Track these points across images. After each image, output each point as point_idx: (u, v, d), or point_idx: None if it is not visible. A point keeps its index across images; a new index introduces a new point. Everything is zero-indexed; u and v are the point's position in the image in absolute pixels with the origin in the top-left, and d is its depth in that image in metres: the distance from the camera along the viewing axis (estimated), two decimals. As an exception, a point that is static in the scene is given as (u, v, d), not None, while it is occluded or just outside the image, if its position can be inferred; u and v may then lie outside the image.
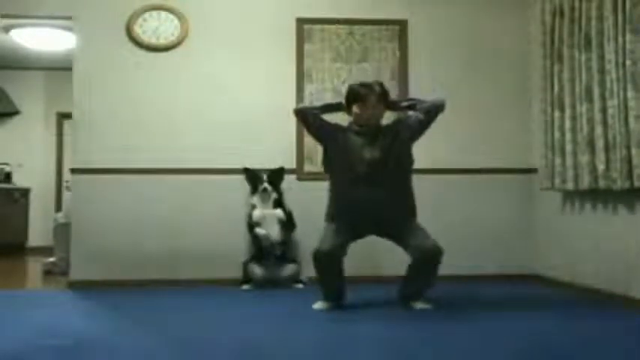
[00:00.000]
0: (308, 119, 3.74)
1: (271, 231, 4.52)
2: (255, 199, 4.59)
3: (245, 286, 4.51)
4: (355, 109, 3.62)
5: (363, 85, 3.66)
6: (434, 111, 3.65)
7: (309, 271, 4.49)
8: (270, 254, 4.53)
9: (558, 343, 2.83)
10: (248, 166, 4.63)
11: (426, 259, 3.48)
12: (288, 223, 4.60)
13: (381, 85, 3.67)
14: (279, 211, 4.58)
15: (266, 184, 4.55)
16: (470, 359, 2.59)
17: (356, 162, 3.56)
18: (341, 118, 3.80)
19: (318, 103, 3.89)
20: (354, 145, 3.60)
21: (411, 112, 3.73)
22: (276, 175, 4.61)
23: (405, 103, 3.82)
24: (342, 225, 3.60)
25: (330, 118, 3.80)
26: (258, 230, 4.52)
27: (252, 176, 4.60)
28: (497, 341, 2.86)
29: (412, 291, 3.65)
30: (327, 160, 3.74)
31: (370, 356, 2.63)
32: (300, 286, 4.54)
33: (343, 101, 3.72)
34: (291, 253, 4.65)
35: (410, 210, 3.65)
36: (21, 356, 2.59)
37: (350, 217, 3.60)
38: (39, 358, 2.58)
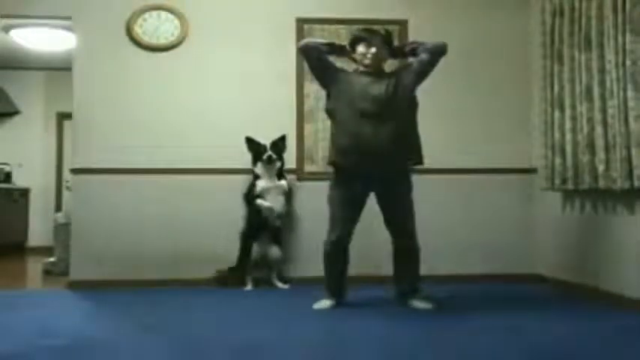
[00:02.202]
0: (312, 54, 3.68)
1: (275, 203, 4.51)
2: (259, 169, 4.56)
3: (247, 288, 4.49)
4: (360, 48, 3.63)
5: (367, 29, 3.73)
6: (436, 52, 3.63)
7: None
8: (267, 228, 4.50)
9: (558, 342, 2.83)
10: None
11: (402, 244, 3.66)
12: (289, 195, 4.60)
13: (386, 29, 3.72)
14: (283, 182, 4.57)
15: (270, 152, 4.52)
16: (470, 359, 2.59)
17: (361, 98, 3.54)
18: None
19: (323, 40, 3.83)
20: (358, 83, 3.60)
21: (413, 59, 3.73)
22: (278, 144, 4.60)
23: (408, 48, 3.79)
24: (344, 184, 3.61)
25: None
26: (262, 202, 4.49)
27: (255, 145, 4.57)
28: (497, 341, 2.86)
29: (406, 286, 3.71)
30: (330, 102, 3.70)
31: (370, 356, 2.63)
32: (286, 286, 4.53)
33: (348, 46, 3.71)
34: (280, 232, 4.61)
35: (414, 151, 3.64)
36: (21, 356, 2.59)
37: (353, 160, 3.55)
38: (39, 358, 2.58)
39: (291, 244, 4.74)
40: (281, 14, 4.87)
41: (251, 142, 4.59)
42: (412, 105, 3.65)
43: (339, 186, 3.65)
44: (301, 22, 4.86)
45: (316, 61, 3.68)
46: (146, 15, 4.78)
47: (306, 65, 4.81)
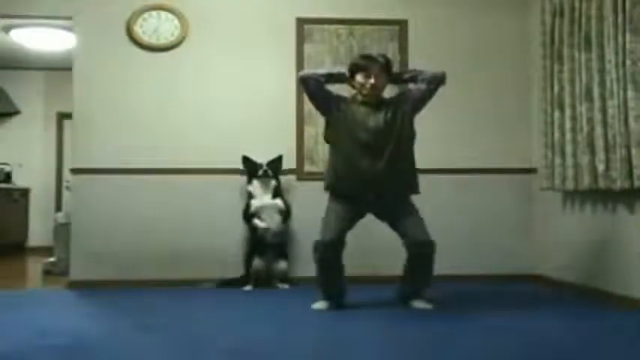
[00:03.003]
0: (311, 86, 3.68)
1: (271, 221, 4.52)
2: (253, 187, 4.56)
3: (247, 288, 4.50)
4: (359, 77, 3.60)
5: (366, 56, 3.69)
6: (435, 82, 3.64)
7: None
8: (267, 246, 4.51)
9: (558, 342, 2.83)
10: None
11: (421, 253, 3.52)
12: (287, 213, 4.60)
13: (384, 56, 3.68)
14: (279, 201, 4.58)
15: (266, 167, 4.53)
16: (470, 359, 2.59)
17: (360, 130, 3.54)
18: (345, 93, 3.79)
19: (321, 71, 3.83)
20: (357, 113, 3.59)
21: (412, 85, 3.72)
22: (274, 164, 4.61)
23: (407, 75, 3.78)
24: (342, 200, 3.60)
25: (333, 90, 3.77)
26: (257, 222, 4.50)
27: (251, 164, 4.59)
28: (497, 341, 2.86)
29: (411, 290, 3.68)
30: (329, 131, 3.71)
31: (370, 356, 2.63)
32: (286, 286, 4.53)
33: (347, 72, 3.69)
34: (285, 247, 4.64)
35: (411, 183, 3.64)
36: (21, 356, 2.59)
37: (351, 187, 3.57)
38: (39, 358, 2.58)
39: (290, 244, 4.74)
40: (281, 14, 4.87)
41: (247, 161, 4.60)
42: (410, 135, 3.65)
43: (338, 202, 3.63)
44: (301, 22, 4.87)
45: (315, 92, 3.69)
46: (146, 15, 4.79)
47: (306, 65, 4.85)
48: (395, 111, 3.60)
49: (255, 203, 4.54)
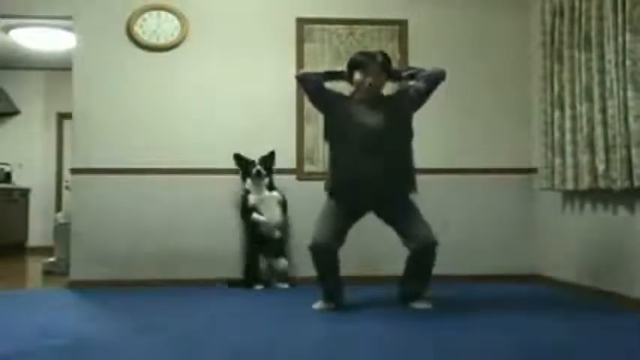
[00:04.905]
0: (309, 85, 3.67)
1: (271, 214, 4.52)
2: (248, 185, 4.57)
3: (258, 287, 4.48)
4: (357, 75, 3.58)
5: (364, 53, 3.67)
6: (434, 80, 3.60)
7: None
8: (269, 242, 4.51)
9: (558, 342, 2.83)
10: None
11: (425, 251, 3.51)
12: (285, 205, 4.61)
13: (383, 54, 3.64)
14: (277, 194, 4.58)
15: (258, 167, 4.53)
16: (470, 359, 2.59)
17: (358, 129, 3.53)
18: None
19: (320, 70, 3.83)
20: (356, 112, 3.58)
21: (411, 82, 3.70)
22: (267, 160, 4.60)
23: (405, 73, 3.77)
24: (341, 200, 3.60)
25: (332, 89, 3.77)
26: (257, 217, 4.50)
27: (244, 162, 4.59)
28: (497, 341, 2.86)
29: (412, 290, 3.67)
30: (327, 129, 3.71)
31: (370, 356, 2.63)
32: (286, 286, 4.53)
33: (345, 70, 3.68)
34: (284, 244, 4.64)
35: (410, 181, 3.64)
36: (21, 356, 2.59)
37: (350, 187, 3.57)
38: (39, 358, 2.58)
39: (290, 244, 4.74)
40: (281, 14, 4.87)
41: (239, 159, 4.60)
42: (408, 134, 3.65)
43: (335, 203, 3.63)
44: (301, 22, 4.87)
45: (314, 91, 3.68)
46: (146, 15, 4.79)
47: (306, 65, 4.84)
48: (394, 108, 3.59)
49: (253, 197, 4.53)
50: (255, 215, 4.51)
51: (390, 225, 3.65)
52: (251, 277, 4.51)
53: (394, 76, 3.75)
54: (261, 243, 4.53)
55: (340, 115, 3.62)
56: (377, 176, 3.50)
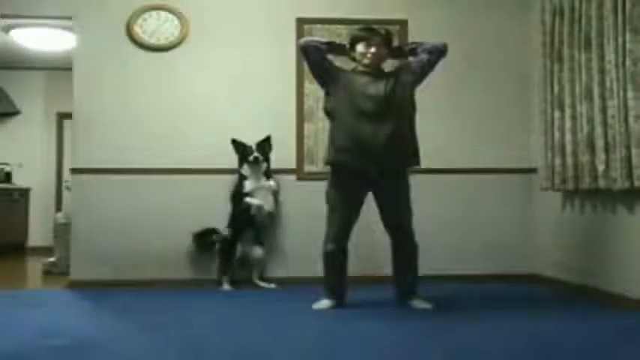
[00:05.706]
0: (312, 53, 3.66)
1: (265, 201, 4.52)
2: (245, 170, 4.56)
3: (225, 287, 4.48)
4: (359, 47, 3.61)
5: (366, 27, 3.72)
6: (435, 53, 3.64)
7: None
8: (254, 227, 4.52)
9: (558, 342, 2.83)
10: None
11: (401, 246, 3.67)
12: (278, 194, 4.62)
13: (385, 29, 3.70)
14: (272, 182, 4.59)
15: (256, 153, 4.53)
16: (470, 358, 2.59)
17: (360, 98, 3.54)
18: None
19: (323, 39, 3.83)
20: (358, 82, 3.60)
21: (412, 58, 3.73)
22: (264, 145, 4.59)
23: (407, 48, 3.80)
24: (341, 174, 3.62)
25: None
26: (252, 200, 4.49)
27: (241, 147, 4.57)
28: (497, 341, 2.86)
29: (404, 285, 3.71)
30: (328, 101, 3.70)
31: (370, 356, 2.63)
32: (272, 286, 4.54)
33: (347, 45, 3.71)
34: (262, 234, 4.63)
35: (412, 152, 3.64)
36: (21, 356, 2.59)
37: (352, 158, 3.56)
38: (39, 358, 2.58)
39: (289, 244, 4.74)
40: (281, 14, 4.87)
41: (237, 144, 4.58)
42: (411, 106, 3.65)
43: (337, 185, 3.65)
44: (301, 22, 4.86)
45: (316, 60, 3.68)
46: (146, 15, 4.79)
47: (305, 65, 4.83)
48: (396, 81, 3.61)
49: (249, 184, 4.53)
50: (248, 199, 4.49)
51: (379, 208, 3.67)
52: (224, 262, 4.52)
53: (396, 52, 3.79)
54: (248, 226, 4.51)
55: (341, 86, 3.63)
56: (378, 144, 3.48)
